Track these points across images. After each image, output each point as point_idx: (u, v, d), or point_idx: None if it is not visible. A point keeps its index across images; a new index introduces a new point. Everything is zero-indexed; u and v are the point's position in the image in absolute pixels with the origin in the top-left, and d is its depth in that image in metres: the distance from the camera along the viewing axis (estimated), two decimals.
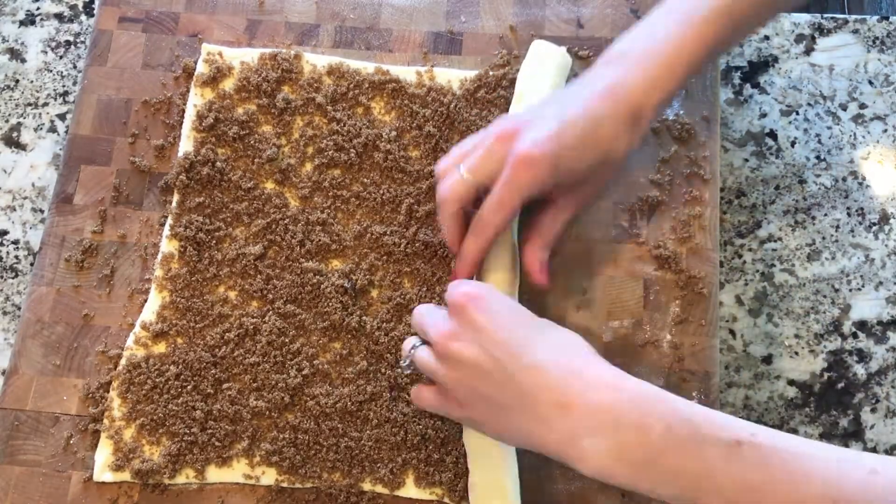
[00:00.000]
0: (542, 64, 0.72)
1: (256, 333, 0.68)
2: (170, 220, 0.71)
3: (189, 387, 0.67)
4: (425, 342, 0.60)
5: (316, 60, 0.76)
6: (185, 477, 0.66)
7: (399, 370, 0.66)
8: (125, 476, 0.65)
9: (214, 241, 0.71)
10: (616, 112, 0.61)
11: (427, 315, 0.60)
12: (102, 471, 0.66)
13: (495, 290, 0.60)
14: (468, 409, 0.58)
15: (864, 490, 0.46)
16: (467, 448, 0.64)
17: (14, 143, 0.81)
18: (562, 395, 0.52)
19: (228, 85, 0.75)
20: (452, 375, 0.57)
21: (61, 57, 0.83)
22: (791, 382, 0.72)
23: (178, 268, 0.70)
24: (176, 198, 0.72)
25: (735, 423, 0.50)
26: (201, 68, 0.75)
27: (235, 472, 0.66)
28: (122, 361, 0.68)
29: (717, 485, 0.49)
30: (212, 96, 0.75)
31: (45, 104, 0.82)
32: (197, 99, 0.75)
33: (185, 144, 0.73)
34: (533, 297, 0.69)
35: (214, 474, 0.66)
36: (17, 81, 0.82)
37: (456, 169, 0.63)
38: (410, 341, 0.61)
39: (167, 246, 0.71)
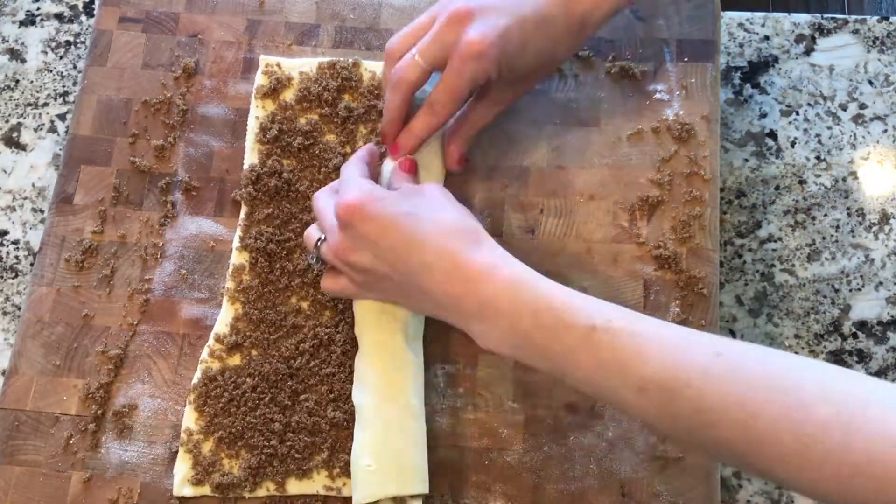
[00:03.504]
0: None
1: (331, 344, 0.68)
2: (238, 233, 0.71)
3: (266, 399, 0.67)
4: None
5: (375, 67, 0.75)
6: (266, 490, 0.65)
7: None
8: (205, 490, 0.65)
9: (285, 252, 0.71)
10: (566, 18, 0.65)
11: (324, 215, 0.64)
12: (182, 485, 0.65)
13: (374, 189, 0.62)
14: (375, 294, 0.64)
15: (704, 372, 0.50)
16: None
17: (14, 143, 0.81)
18: (450, 288, 0.58)
19: (289, 96, 0.75)
20: (356, 277, 0.63)
21: (61, 57, 0.83)
22: None
23: (250, 279, 0.70)
24: (244, 210, 0.72)
25: (595, 309, 0.55)
26: (260, 80, 0.75)
27: (316, 484, 0.65)
28: (198, 374, 0.68)
29: (576, 364, 0.54)
30: (273, 108, 0.75)
31: (45, 104, 0.82)
32: (258, 111, 0.75)
33: (250, 157, 0.73)
34: None
35: (295, 486, 0.65)
36: (17, 81, 0.82)
37: (409, 52, 0.65)
38: (314, 234, 0.65)
39: (237, 258, 0.71)
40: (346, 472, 0.65)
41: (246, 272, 0.70)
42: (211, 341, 0.69)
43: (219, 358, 0.68)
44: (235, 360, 0.68)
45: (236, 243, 0.71)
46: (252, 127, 0.74)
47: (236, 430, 0.66)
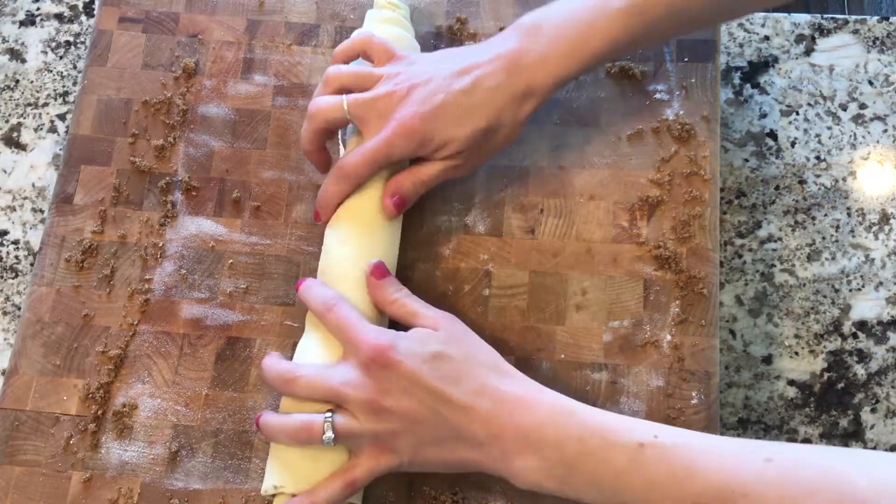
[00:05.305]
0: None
1: None
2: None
3: None
4: (330, 410, 0.59)
5: None
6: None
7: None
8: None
9: None
10: (511, 85, 0.63)
11: (329, 377, 0.59)
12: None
13: (389, 331, 0.60)
14: (404, 455, 0.59)
15: (757, 479, 0.50)
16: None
17: (14, 143, 0.81)
18: (491, 425, 0.56)
19: None
20: (388, 429, 0.58)
21: (61, 57, 0.83)
22: (791, 382, 0.72)
23: None
24: None
25: (639, 427, 0.55)
26: None
27: None
28: None
29: (628, 485, 0.53)
30: None
31: (45, 104, 0.82)
32: None
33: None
34: (533, 294, 0.69)
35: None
36: (17, 81, 0.82)
37: (339, 97, 0.65)
38: (316, 417, 0.59)
39: None
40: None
41: None
42: None
43: None
44: None
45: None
46: (350, 128, 0.71)
47: None
